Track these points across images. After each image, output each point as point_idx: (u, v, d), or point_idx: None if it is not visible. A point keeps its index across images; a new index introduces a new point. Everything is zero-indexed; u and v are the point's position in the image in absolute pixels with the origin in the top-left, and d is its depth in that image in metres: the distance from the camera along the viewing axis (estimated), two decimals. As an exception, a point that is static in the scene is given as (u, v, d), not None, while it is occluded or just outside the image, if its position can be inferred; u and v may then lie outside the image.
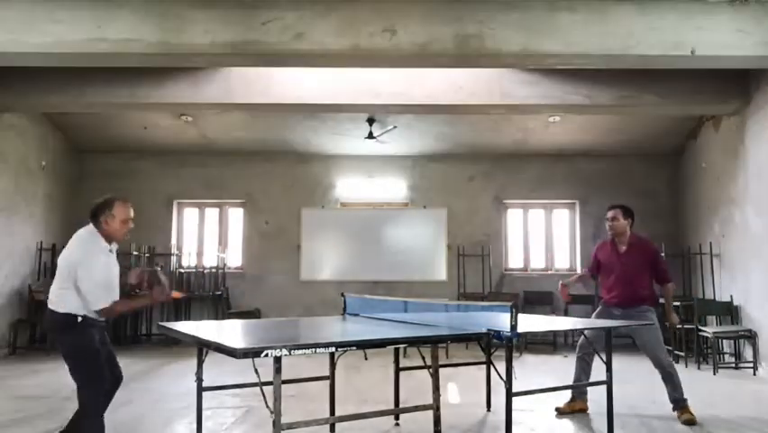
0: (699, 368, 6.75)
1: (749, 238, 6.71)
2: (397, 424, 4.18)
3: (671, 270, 8.33)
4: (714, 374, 6.42)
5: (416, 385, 4.82)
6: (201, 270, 9.12)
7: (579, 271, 8.83)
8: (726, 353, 7.23)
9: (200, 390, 3.56)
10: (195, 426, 3.66)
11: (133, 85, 6.66)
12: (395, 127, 8.27)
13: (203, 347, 3.33)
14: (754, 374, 6.43)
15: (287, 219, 9.26)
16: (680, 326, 7.37)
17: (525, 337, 7.86)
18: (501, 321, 3.33)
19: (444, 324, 3.58)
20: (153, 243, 9.06)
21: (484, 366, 4.57)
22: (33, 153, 8.18)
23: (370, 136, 8.24)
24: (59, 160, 8.79)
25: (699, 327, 6.94)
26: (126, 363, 6.68)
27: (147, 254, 8.94)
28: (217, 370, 5.13)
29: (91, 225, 3.29)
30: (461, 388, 5.48)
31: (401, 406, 4.17)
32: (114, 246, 3.40)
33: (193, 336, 2.97)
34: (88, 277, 3.10)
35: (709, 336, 6.72)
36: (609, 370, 3.80)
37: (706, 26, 5.10)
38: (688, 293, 8.24)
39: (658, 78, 6.49)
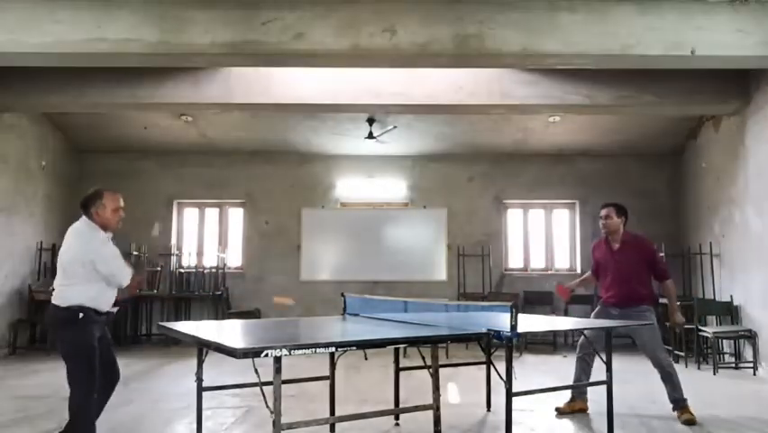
0: (699, 368, 6.75)
1: (749, 238, 6.71)
2: (397, 424, 4.18)
3: (671, 270, 8.34)
4: (714, 374, 6.42)
5: (416, 385, 4.82)
6: (201, 270, 9.11)
7: (579, 271, 8.84)
8: (726, 353, 7.23)
9: (200, 390, 3.56)
10: (195, 426, 3.66)
11: (134, 85, 6.66)
12: (395, 127, 8.27)
13: (203, 347, 3.33)
14: (754, 374, 6.43)
15: (287, 219, 9.26)
16: (685, 325, 7.39)
17: (525, 337, 7.86)
18: (501, 321, 3.34)
19: (444, 324, 3.58)
20: (153, 243, 9.06)
21: (484, 366, 4.56)
22: (33, 154, 8.18)
23: (370, 136, 8.24)
24: (59, 160, 8.79)
25: (699, 327, 6.94)
26: (126, 363, 6.71)
27: (147, 254, 8.94)
28: (217, 370, 5.13)
29: (85, 218, 3.35)
30: (461, 388, 5.48)
31: (401, 406, 4.17)
32: (109, 235, 3.44)
33: (193, 336, 2.97)
34: (106, 262, 3.25)
35: (709, 336, 6.73)
36: (609, 370, 3.80)
37: (706, 26, 5.10)
38: (688, 293, 8.24)
39: (658, 78, 6.49)
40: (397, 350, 4.23)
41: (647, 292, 4.58)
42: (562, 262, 9.44)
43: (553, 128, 8.35)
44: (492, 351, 3.90)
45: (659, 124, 8.26)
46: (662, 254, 8.05)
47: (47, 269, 8.16)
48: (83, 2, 5.03)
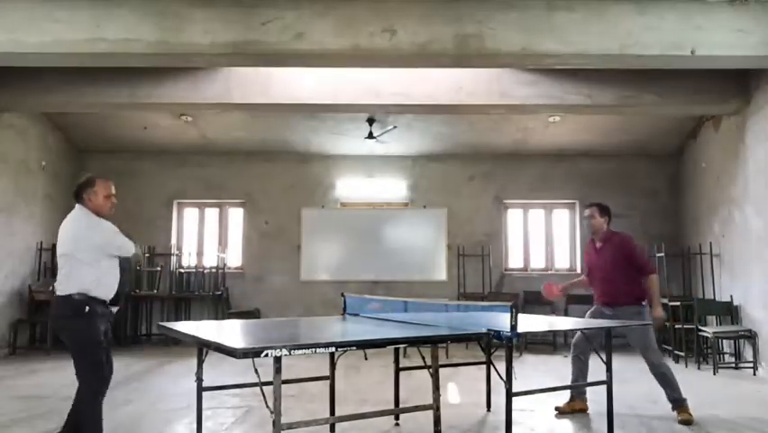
0: (699, 368, 6.74)
1: (749, 238, 6.71)
2: (397, 424, 4.18)
3: (671, 270, 8.36)
4: (714, 374, 6.42)
5: (416, 385, 4.82)
6: (201, 270, 9.11)
7: (578, 270, 8.85)
8: (727, 353, 7.23)
9: (200, 390, 3.56)
10: (195, 426, 3.66)
11: (133, 85, 6.66)
12: (395, 127, 8.27)
13: (203, 347, 3.32)
14: (754, 374, 6.43)
15: (287, 219, 9.26)
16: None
17: (525, 337, 7.86)
18: (501, 321, 3.33)
19: (444, 324, 3.57)
20: (153, 243, 9.06)
21: (484, 366, 4.56)
22: (33, 153, 8.18)
23: (370, 136, 8.24)
24: (59, 160, 8.79)
25: (699, 327, 6.94)
26: (126, 363, 6.74)
27: (147, 254, 8.95)
28: (217, 370, 5.14)
29: (79, 206, 3.41)
30: (461, 388, 5.48)
31: (401, 406, 4.17)
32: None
33: (193, 336, 2.97)
34: (110, 237, 3.36)
35: (709, 336, 6.72)
36: (609, 370, 3.80)
37: (706, 26, 5.10)
38: (688, 293, 8.24)
39: (658, 77, 6.49)
40: (397, 350, 4.22)
41: (636, 290, 4.51)
42: (562, 262, 9.44)
43: (554, 128, 8.35)
44: (492, 351, 3.90)
45: (659, 124, 8.26)
46: (661, 253, 8.06)
47: (47, 269, 8.16)
48: (82, 1, 5.04)
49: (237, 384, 3.76)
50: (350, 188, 9.41)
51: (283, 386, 2.55)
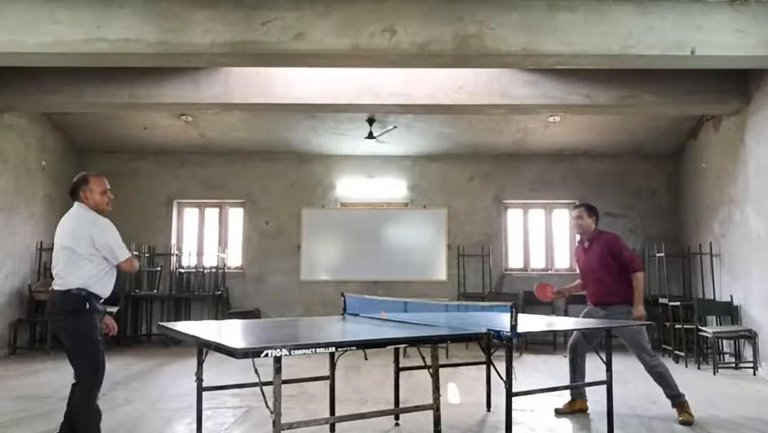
0: (699, 368, 6.74)
1: (749, 238, 6.71)
2: (397, 424, 4.18)
3: (671, 270, 8.34)
4: (714, 374, 6.42)
5: (416, 385, 4.82)
6: (201, 270, 9.11)
7: (578, 270, 8.83)
8: (727, 353, 7.23)
9: (200, 390, 3.56)
10: (195, 426, 3.66)
11: (133, 85, 6.66)
12: (395, 127, 8.27)
13: (203, 347, 3.32)
14: (754, 374, 6.43)
15: (287, 219, 9.27)
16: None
17: (525, 337, 7.87)
18: (501, 321, 3.34)
19: (444, 324, 3.58)
20: (153, 243, 9.07)
21: (484, 366, 4.56)
22: (33, 153, 8.18)
23: (370, 136, 8.24)
24: (59, 160, 8.79)
25: (699, 327, 6.94)
26: (126, 363, 6.74)
27: (147, 254, 8.95)
28: (217, 370, 5.14)
29: (77, 203, 3.41)
30: (461, 388, 5.48)
31: (401, 406, 4.18)
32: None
33: (193, 336, 2.97)
34: (104, 234, 3.30)
35: (709, 336, 6.72)
36: (609, 370, 3.80)
37: (706, 26, 5.10)
38: (688, 293, 8.25)
39: (658, 77, 6.49)
40: (397, 350, 4.22)
41: (625, 290, 4.48)
42: (562, 262, 9.44)
43: (553, 128, 8.35)
44: (492, 351, 3.90)
45: (659, 124, 8.27)
46: (661, 253, 8.06)
47: (47, 269, 8.15)
48: (83, 2, 5.03)
49: (237, 384, 3.76)
50: (350, 188, 9.41)
51: (283, 386, 2.55)
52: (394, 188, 9.42)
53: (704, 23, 5.09)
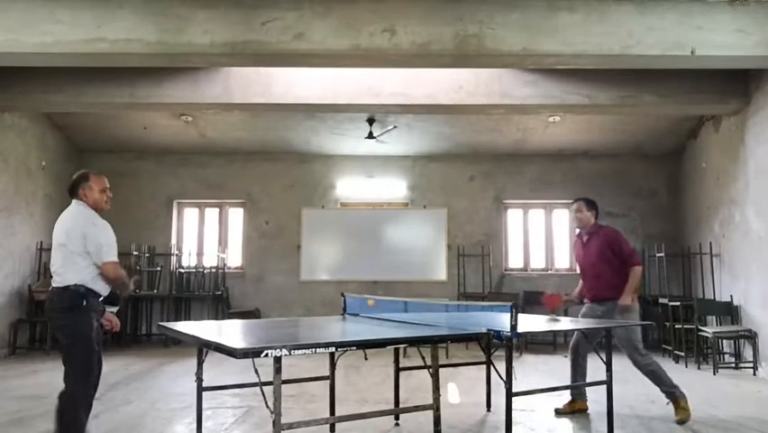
0: (699, 368, 6.74)
1: (749, 238, 6.71)
2: (397, 424, 4.18)
3: (671, 269, 8.34)
4: (714, 374, 6.42)
5: (416, 385, 4.82)
6: (201, 270, 9.12)
7: (578, 271, 8.83)
8: (727, 353, 7.23)
9: (200, 390, 3.56)
10: (195, 426, 3.66)
11: (133, 85, 6.66)
12: (395, 127, 8.27)
13: (203, 347, 3.32)
14: (754, 374, 6.43)
15: (287, 219, 9.27)
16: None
17: (525, 337, 7.87)
18: (501, 321, 3.34)
19: (444, 324, 3.58)
20: (153, 243, 9.07)
21: (484, 366, 4.56)
22: (33, 153, 8.18)
23: (370, 136, 8.24)
24: (59, 160, 8.79)
25: (699, 327, 6.94)
26: (126, 363, 6.74)
27: (147, 254, 8.95)
28: (217, 370, 5.14)
29: (75, 201, 3.39)
30: (461, 388, 5.48)
31: (401, 406, 4.18)
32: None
33: (193, 336, 2.97)
34: (96, 233, 3.26)
35: (709, 336, 6.72)
36: (609, 370, 3.80)
37: (706, 26, 5.10)
38: (688, 293, 8.25)
39: (658, 77, 6.49)
40: (397, 350, 4.22)
41: (624, 286, 4.41)
42: (562, 262, 9.44)
43: (553, 128, 8.35)
44: (492, 351, 3.90)
45: (659, 124, 8.27)
46: (661, 253, 8.06)
47: (47, 269, 8.14)
48: (83, 2, 5.03)
49: (237, 384, 3.76)
50: (350, 188, 9.41)
51: (283, 386, 2.55)
52: (394, 188, 9.42)
53: (704, 22, 5.09)
